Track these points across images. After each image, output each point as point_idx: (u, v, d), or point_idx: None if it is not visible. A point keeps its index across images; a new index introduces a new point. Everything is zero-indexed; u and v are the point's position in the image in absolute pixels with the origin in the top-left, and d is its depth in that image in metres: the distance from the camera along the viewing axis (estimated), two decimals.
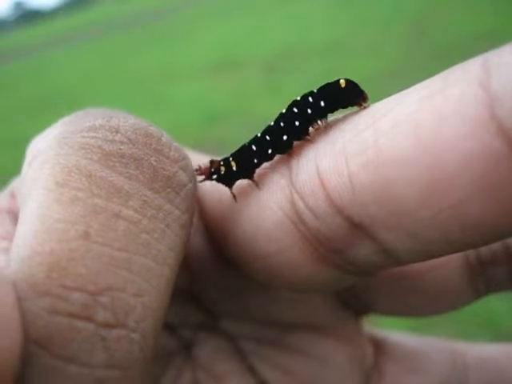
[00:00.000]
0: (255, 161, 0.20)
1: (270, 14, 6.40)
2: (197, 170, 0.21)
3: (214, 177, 0.21)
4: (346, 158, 0.16)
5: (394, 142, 0.15)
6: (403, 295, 0.24)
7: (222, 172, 0.21)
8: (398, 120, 0.15)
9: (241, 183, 0.20)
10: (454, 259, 0.23)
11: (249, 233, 0.19)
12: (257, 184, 0.20)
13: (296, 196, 0.18)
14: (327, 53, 3.73)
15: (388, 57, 3.31)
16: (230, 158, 0.21)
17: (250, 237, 0.19)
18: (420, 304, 0.25)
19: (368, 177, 0.15)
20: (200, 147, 0.23)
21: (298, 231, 0.18)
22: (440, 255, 0.17)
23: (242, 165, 0.20)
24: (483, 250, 0.23)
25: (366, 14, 4.80)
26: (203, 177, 0.21)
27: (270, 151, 0.20)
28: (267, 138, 0.20)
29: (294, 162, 0.18)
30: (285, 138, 0.19)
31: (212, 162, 0.21)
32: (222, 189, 0.21)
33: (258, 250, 0.19)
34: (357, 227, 0.17)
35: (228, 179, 0.21)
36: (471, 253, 0.23)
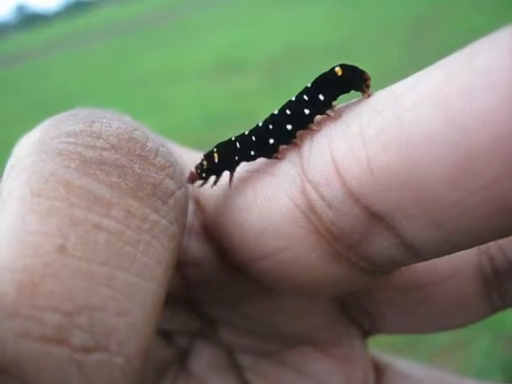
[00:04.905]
0: (236, 158, 0.20)
1: (272, 17, 6.41)
2: (189, 181, 0.21)
3: (202, 173, 0.21)
4: (363, 140, 0.15)
5: (418, 119, 0.14)
6: (413, 308, 0.23)
7: (205, 166, 0.21)
8: (422, 95, 0.14)
9: (244, 175, 0.19)
10: (467, 269, 0.22)
11: (256, 227, 0.18)
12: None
13: (308, 185, 0.16)
14: (330, 54, 3.73)
15: (390, 56, 3.31)
16: (214, 149, 0.21)
17: (258, 232, 0.18)
18: (430, 318, 0.23)
19: (389, 159, 0.14)
20: (202, 150, 0.22)
21: (310, 224, 0.17)
22: (462, 248, 0.15)
23: (223, 159, 0.20)
24: (499, 259, 0.22)
25: (367, 15, 4.80)
26: (201, 182, 0.21)
27: (252, 153, 0.19)
28: (253, 138, 0.19)
29: (306, 149, 0.17)
30: (271, 141, 0.19)
31: (196, 166, 0.21)
32: (224, 184, 0.20)
33: (266, 245, 0.18)
34: (375, 217, 0.15)
35: (213, 171, 0.21)
36: (486, 263, 0.22)
